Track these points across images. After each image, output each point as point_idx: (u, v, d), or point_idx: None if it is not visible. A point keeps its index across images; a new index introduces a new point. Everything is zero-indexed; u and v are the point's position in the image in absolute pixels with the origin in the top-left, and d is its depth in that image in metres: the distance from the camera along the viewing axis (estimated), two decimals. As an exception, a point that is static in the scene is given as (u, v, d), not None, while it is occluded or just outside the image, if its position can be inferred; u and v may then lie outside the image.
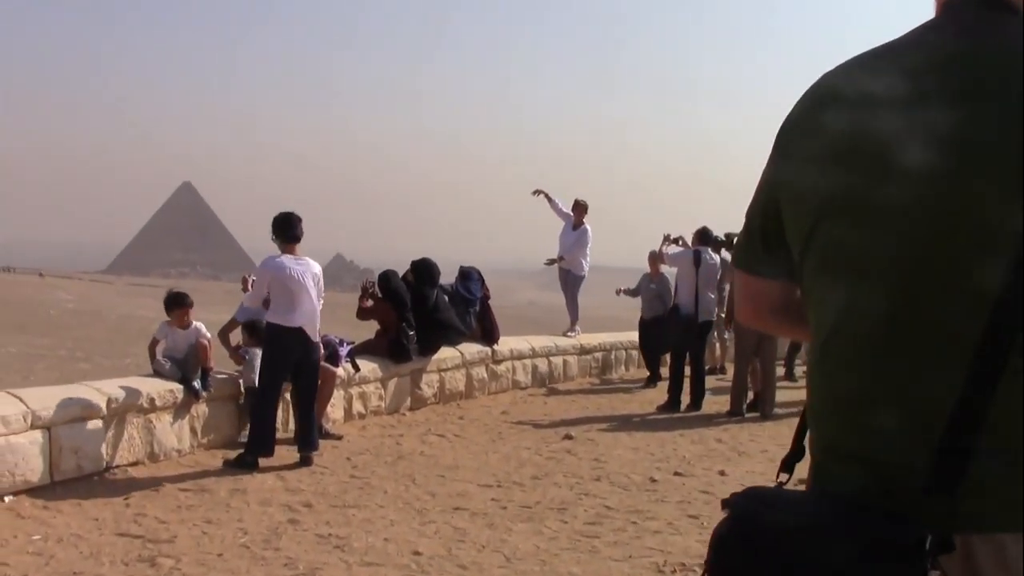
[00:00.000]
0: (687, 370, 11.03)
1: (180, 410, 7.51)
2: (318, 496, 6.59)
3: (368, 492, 6.77)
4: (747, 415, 10.46)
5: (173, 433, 7.43)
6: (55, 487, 6.39)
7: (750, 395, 10.82)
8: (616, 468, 7.73)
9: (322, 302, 7.78)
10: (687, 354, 11.03)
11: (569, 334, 13.32)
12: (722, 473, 7.62)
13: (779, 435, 9.55)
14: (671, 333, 11.24)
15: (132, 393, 7.08)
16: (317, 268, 7.75)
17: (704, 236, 11.18)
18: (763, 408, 10.55)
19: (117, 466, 6.91)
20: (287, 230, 7.63)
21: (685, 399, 10.90)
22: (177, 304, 7.96)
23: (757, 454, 8.54)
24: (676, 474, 7.55)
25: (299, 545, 5.48)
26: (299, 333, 7.50)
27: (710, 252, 11.10)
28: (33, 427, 6.30)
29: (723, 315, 12.43)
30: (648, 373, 12.92)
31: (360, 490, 6.82)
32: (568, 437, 8.97)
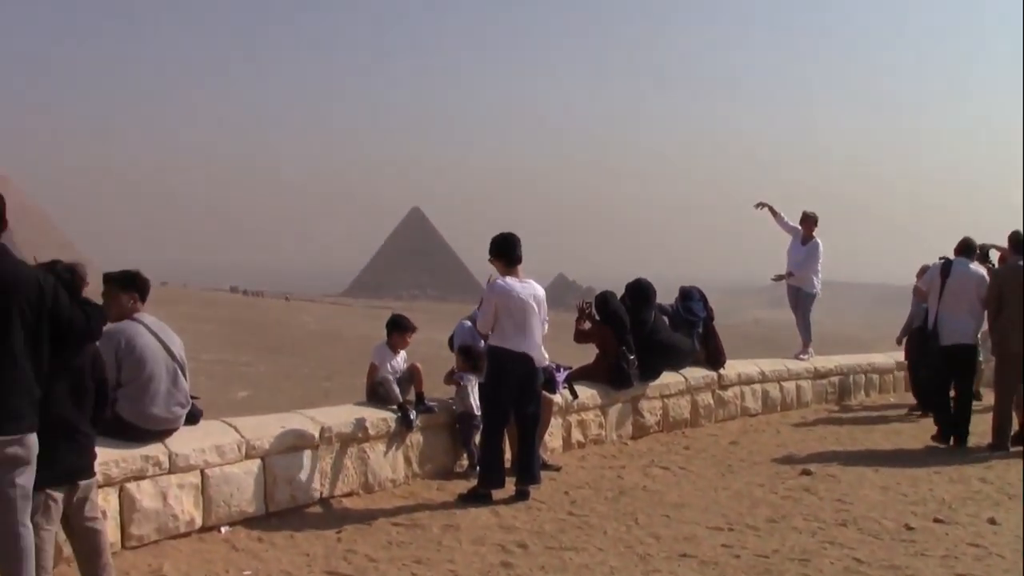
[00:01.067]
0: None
1: (394, 439, 7.30)
2: (534, 535, 6.16)
3: (587, 532, 6.27)
4: (1011, 449, 9.20)
5: (387, 463, 7.24)
6: (270, 518, 6.28)
7: (1015, 426, 9.54)
8: (864, 511, 6.87)
9: (547, 325, 7.40)
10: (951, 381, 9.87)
11: (801, 357, 12.37)
12: (992, 521, 6.60)
13: (1054, 474, 8.33)
14: (931, 357, 10.06)
15: (346, 422, 6.93)
16: (540, 291, 7.36)
17: (964, 247, 9.93)
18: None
19: (331, 497, 6.76)
20: (509, 251, 7.26)
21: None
22: (400, 328, 7.84)
23: (1031, 498, 7.42)
24: (936, 521, 6.61)
25: (511, 593, 5.06)
26: (524, 358, 7.15)
27: (968, 264, 9.83)
28: (248, 457, 6.23)
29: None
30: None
31: (578, 529, 6.34)
32: (806, 472, 8.16)
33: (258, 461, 6.30)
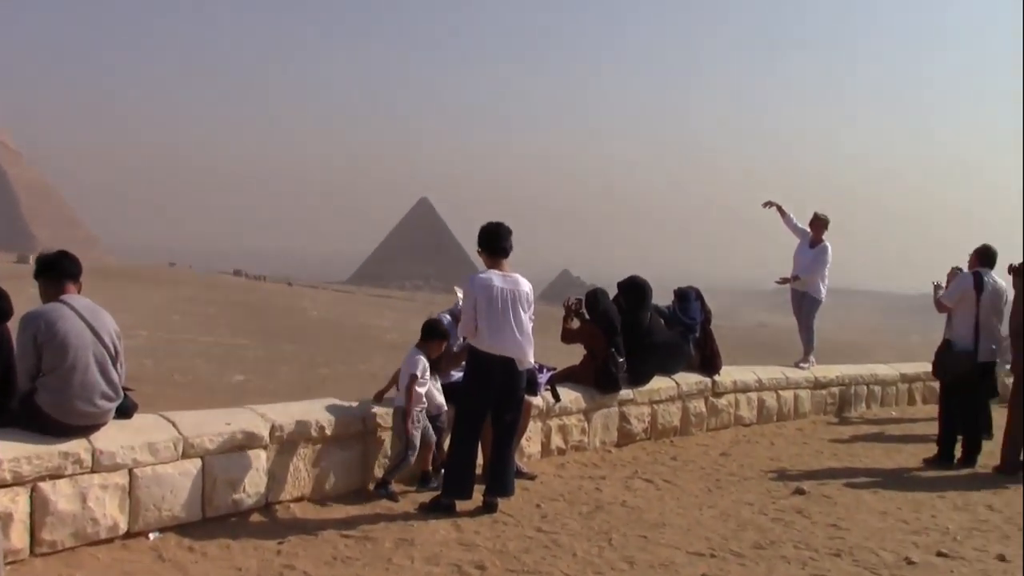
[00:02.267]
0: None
1: (353, 441, 6.73)
2: (495, 555, 5.59)
3: (554, 553, 5.70)
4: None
5: (345, 467, 6.66)
6: (207, 524, 5.71)
7: None
8: (860, 539, 6.29)
9: (532, 324, 6.77)
10: (964, 398, 9.26)
11: (802, 365, 11.77)
12: (1001, 558, 6.00)
13: (1069, 504, 7.74)
14: (946, 372, 9.46)
15: (301, 420, 6.36)
16: (526, 285, 6.71)
17: (985, 256, 9.34)
18: None
19: (279, 503, 6.19)
20: (494, 242, 6.65)
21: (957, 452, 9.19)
22: (437, 336, 7.06)
23: (1043, 530, 6.84)
24: (939, 555, 6.01)
25: (459, 624, 4.50)
26: (504, 360, 6.53)
27: (994, 276, 9.27)
28: (185, 456, 5.66)
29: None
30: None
31: (545, 549, 5.77)
32: (799, 492, 7.58)
33: (197, 461, 5.73)
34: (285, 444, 6.24)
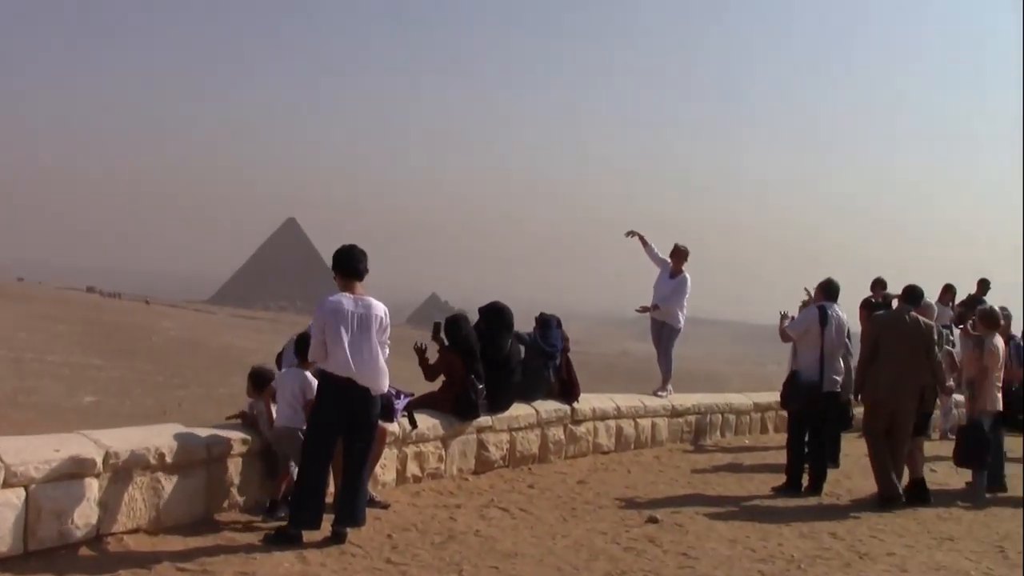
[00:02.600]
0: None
1: (197, 468, 6.42)
2: (340, 588, 5.40)
3: (402, 585, 5.54)
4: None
5: (186, 496, 6.34)
6: (28, 559, 5.33)
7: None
8: (709, 569, 6.35)
9: (388, 350, 6.60)
10: (811, 428, 9.52)
11: (660, 393, 11.94)
12: (842, 586, 6.15)
13: (906, 531, 8.02)
14: (792, 402, 9.71)
15: (139, 446, 6.01)
16: (380, 308, 6.53)
17: (828, 290, 9.66)
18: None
19: (111, 534, 5.82)
20: (345, 264, 6.51)
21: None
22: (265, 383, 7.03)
23: (882, 557, 7.03)
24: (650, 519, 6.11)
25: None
26: (355, 386, 6.34)
27: (837, 309, 9.59)
28: (7, 485, 5.27)
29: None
30: None
31: (394, 582, 5.61)
32: (652, 520, 7.62)
33: (20, 491, 5.34)
34: (120, 472, 5.89)
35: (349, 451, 6.54)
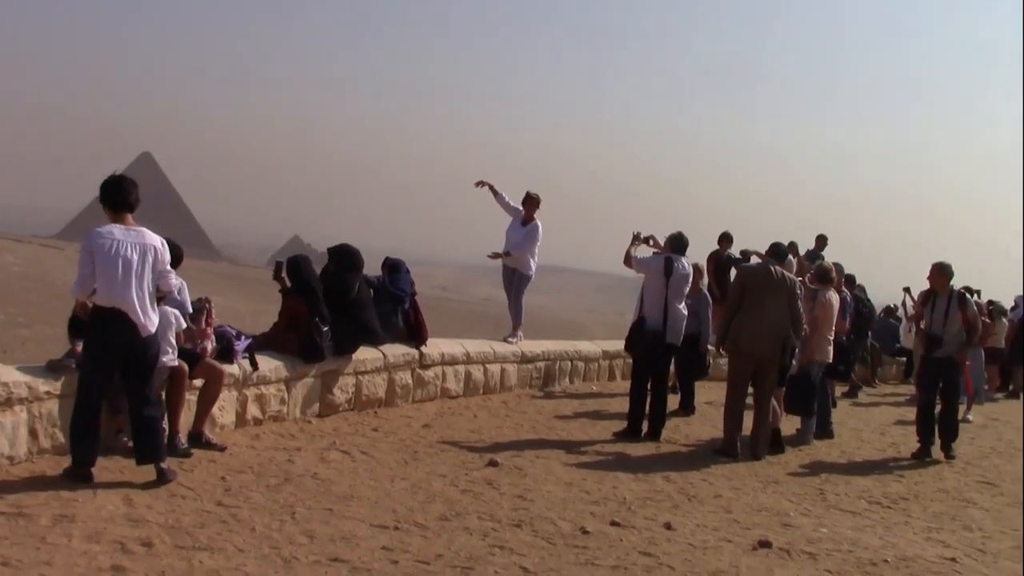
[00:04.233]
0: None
1: (16, 407, 6.13)
2: (165, 531, 5.26)
3: (231, 528, 5.45)
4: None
5: (4, 436, 6.05)
6: None
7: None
8: (542, 510, 6.47)
9: (165, 281, 6.31)
10: (651, 375, 9.78)
11: (510, 340, 12.06)
12: (668, 526, 6.35)
13: (735, 474, 8.37)
14: (634, 348, 9.95)
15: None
16: (156, 240, 6.24)
17: (677, 243, 9.89)
18: (755, 448, 9.26)
19: (-81, 475, 5.53)
20: (113, 196, 6.17)
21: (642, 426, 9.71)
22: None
23: (710, 500, 7.33)
24: (613, 524, 6.29)
25: (110, 608, 4.18)
26: (122, 317, 6.02)
27: (684, 261, 9.85)
28: None
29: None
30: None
31: (222, 524, 5.50)
32: (492, 464, 7.71)
33: None
34: (-71, 411, 5.58)
35: (128, 389, 6.29)
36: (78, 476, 5.98)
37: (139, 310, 6.05)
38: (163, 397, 6.83)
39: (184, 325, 7.06)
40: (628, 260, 9.94)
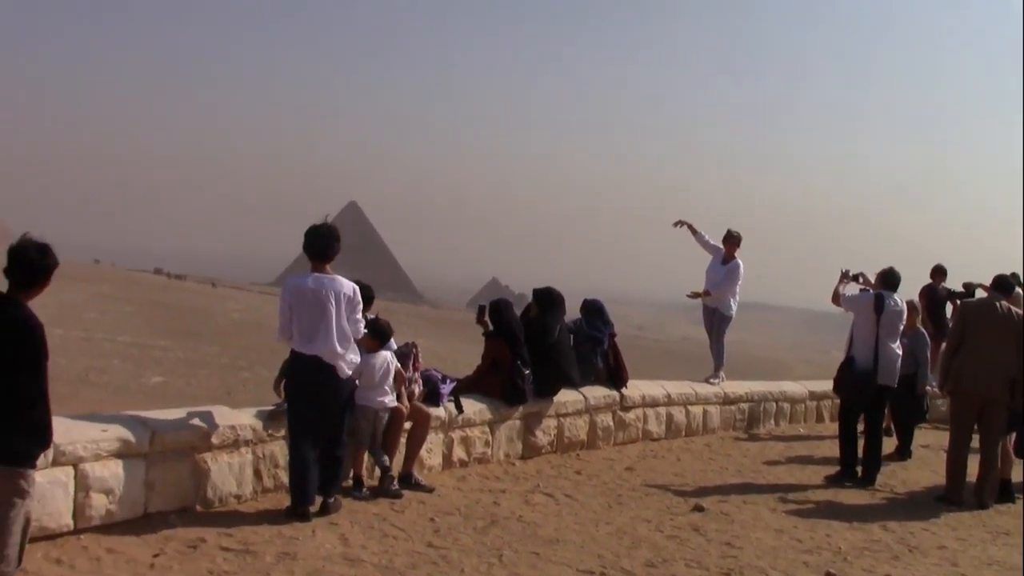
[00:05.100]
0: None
1: (242, 448, 6.51)
2: (379, 570, 5.43)
3: (441, 570, 5.57)
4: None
5: (232, 475, 6.44)
6: (79, 536, 5.45)
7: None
8: (752, 559, 6.27)
9: (359, 327, 6.60)
10: (860, 417, 9.34)
11: (712, 381, 11.82)
12: (888, 579, 6.04)
13: (960, 524, 7.85)
14: (842, 389, 9.54)
15: (184, 426, 6.13)
16: (347, 286, 6.54)
17: (889, 279, 9.45)
18: (981, 496, 8.59)
19: (159, 512, 5.94)
20: (312, 244, 6.54)
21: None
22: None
23: (933, 551, 6.89)
24: (828, 574, 6.02)
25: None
26: (317, 362, 6.37)
27: (896, 298, 9.37)
28: (55, 464, 5.38)
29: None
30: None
31: (433, 565, 5.63)
32: (698, 508, 7.56)
33: (69, 469, 5.46)
34: (167, 452, 6.00)
35: (323, 427, 6.54)
36: (298, 515, 6.28)
37: (331, 354, 6.37)
38: (379, 437, 7.10)
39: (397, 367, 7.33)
40: (836, 298, 9.60)
